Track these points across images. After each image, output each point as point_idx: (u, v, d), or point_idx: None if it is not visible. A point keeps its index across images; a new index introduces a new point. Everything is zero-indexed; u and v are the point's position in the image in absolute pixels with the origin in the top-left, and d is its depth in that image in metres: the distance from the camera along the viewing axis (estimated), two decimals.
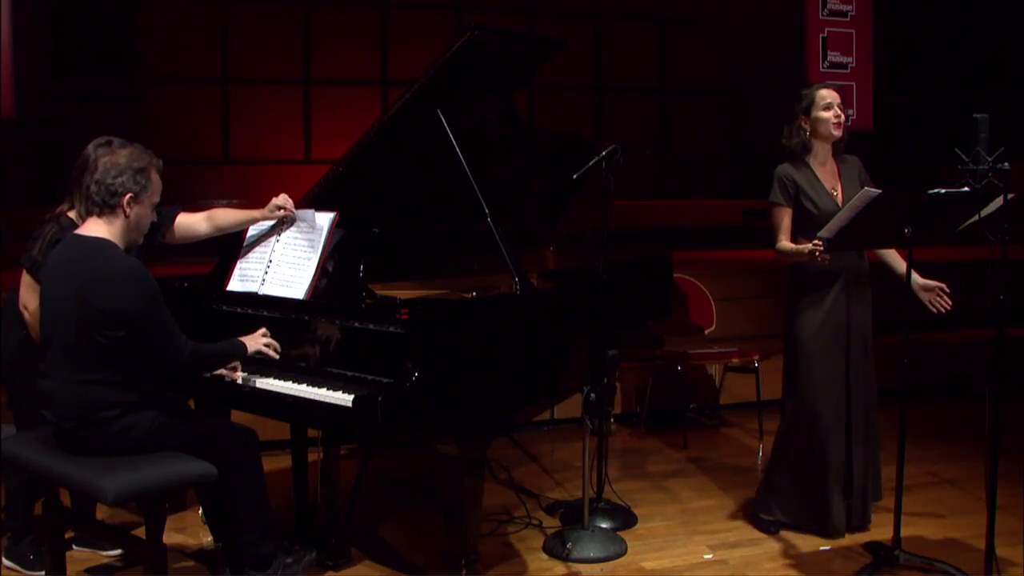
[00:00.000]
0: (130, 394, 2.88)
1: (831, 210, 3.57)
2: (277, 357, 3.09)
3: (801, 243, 3.61)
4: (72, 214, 3.21)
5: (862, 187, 3.70)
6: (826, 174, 3.71)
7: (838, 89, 3.73)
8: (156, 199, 2.97)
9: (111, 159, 2.89)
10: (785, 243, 3.67)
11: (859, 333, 3.71)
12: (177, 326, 2.93)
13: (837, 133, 3.67)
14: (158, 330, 2.87)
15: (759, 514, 3.87)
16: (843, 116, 3.68)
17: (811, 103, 3.66)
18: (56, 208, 3.31)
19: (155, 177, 2.95)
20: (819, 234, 3.43)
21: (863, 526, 3.77)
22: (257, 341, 3.09)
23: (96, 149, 3.10)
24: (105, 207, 2.88)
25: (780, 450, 3.81)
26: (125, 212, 2.89)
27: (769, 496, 3.83)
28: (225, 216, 3.42)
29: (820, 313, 3.66)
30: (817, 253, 3.36)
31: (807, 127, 3.69)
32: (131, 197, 2.88)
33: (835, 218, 3.29)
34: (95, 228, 2.90)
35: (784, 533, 3.77)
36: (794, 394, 3.75)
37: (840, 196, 3.68)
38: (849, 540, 3.72)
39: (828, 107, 3.64)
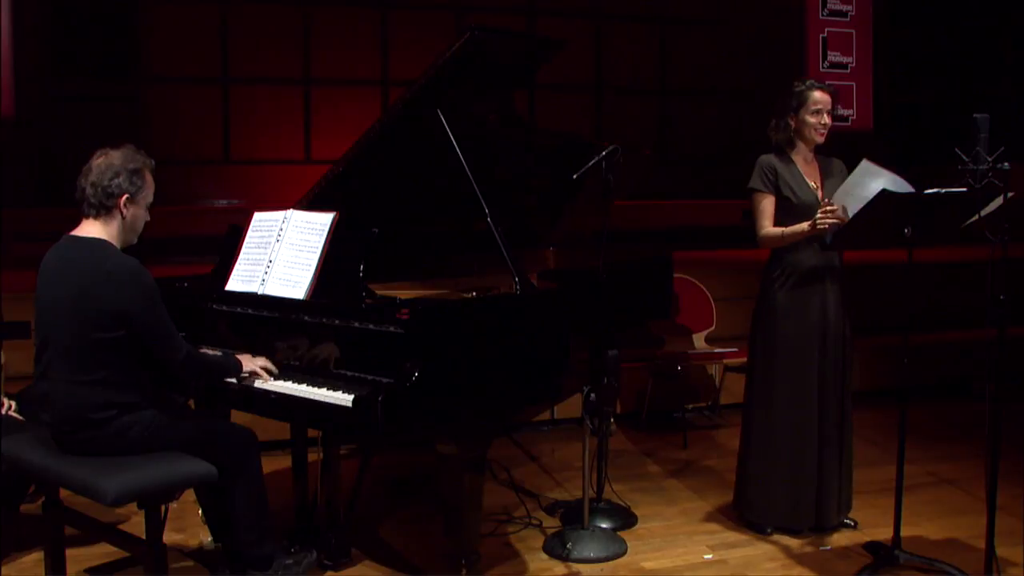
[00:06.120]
0: (128, 394, 2.88)
1: (811, 203, 3.60)
2: (271, 380, 3.08)
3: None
4: None
5: None
6: (808, 169, 3.71)
7: (832, 91, 3.71)
8: (150, 199, 3.00)
9: (106, 160, 2.91)
10: (772, 228, 3.66)
11: (838, 334, 3.70)
12: (175, 328, 2.93)
13: (819, 140, 3.67)
14: (156, 330, 2.87)
15: (747, 516, 3.87)
16: (830, 123, 3.65)
17: (802, 104, 3.65)
18: None
19: (149, 177, 2.97)
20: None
21: (835, 526, 3.79)
22: (254, 363, 3.10)
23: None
24: (102, 208, 2.89)
25: (754, 452, 3.80)
26: (122, 213, 2.91)
27: (750, 498, 3.83)
28: None
29: (800, 313, 3.65)
30: (816, 224, 3.38)
31: (793, 124, 3.68)
32: (127, 198, 2.90)
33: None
34: (91, 229, 2.91)
35: (783, 533, 3.77)
36: (765, 397, 3.75)
37: (820, 192, 3.67)
38: (849, 540, 3.72)
39: (817, 113, 3.63)
